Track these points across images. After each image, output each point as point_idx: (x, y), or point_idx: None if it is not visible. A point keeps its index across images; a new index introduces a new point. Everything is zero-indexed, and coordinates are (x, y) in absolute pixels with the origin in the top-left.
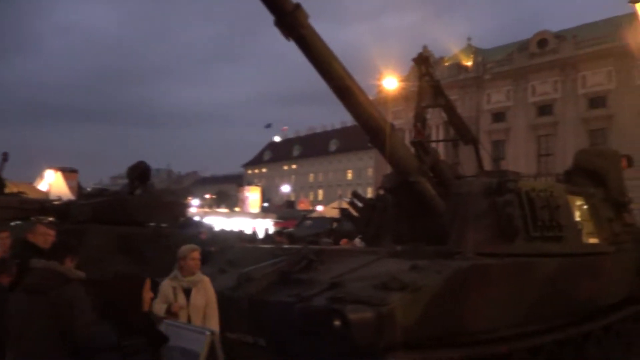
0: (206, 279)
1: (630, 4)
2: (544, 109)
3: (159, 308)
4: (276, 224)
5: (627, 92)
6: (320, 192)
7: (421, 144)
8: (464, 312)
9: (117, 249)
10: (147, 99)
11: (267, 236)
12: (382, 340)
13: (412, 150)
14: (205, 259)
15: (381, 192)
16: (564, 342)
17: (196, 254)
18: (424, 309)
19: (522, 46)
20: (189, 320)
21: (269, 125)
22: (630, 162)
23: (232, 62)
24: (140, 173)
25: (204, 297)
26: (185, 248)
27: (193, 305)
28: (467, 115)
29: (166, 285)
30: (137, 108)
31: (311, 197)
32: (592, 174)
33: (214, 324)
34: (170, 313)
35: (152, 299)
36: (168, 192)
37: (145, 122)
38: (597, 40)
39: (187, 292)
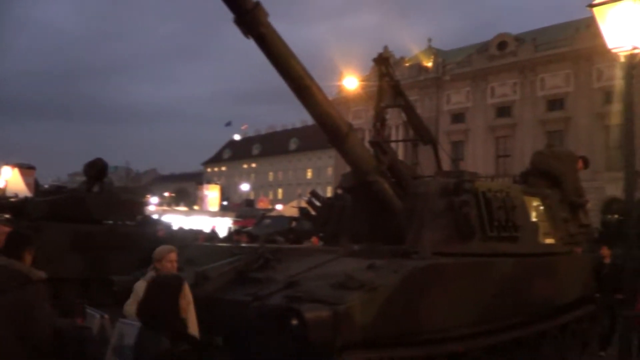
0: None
1: (588, 8)
2: (503, 111)
3: (132, 310)
4: (235, 222)
5: (585, 95)
6: (280, 191)
7: (379, 144)
8: (420, 311)
9: (73, 247)
10: (106, 95)
11: (230, 235)
12: (338, 340)
13: (371, 150)
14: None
15: (339, 191)
16: (520, 342)
17: (173, 256)
18: (381, 308)
19: (482, 48)
20: None
21: (228, 123)
22: (586, 163)
23: (192, 59)
24: (97, 170)
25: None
26: (161, 249)
27: None
28: (426, 116)
29: (141, 286)
30: (96, 105)
31: (271, 196)
32: (548, 175)
33: (193, 329)
34: None
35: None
36: (126, 190)
37: (104, 118)
38: (556, 43)
39: None
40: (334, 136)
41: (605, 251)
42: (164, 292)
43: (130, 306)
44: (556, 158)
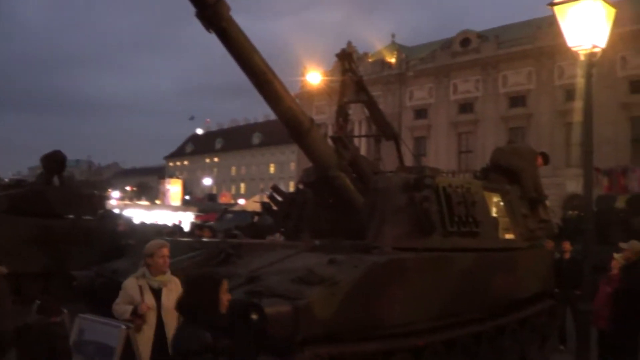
0: (176, 279)
1: (549, 7)
2: (465, 107)
3: (122, 309)
4: (197, 217)
5: (546, 92)
6: (243, 185)
7: (341, 139)
8: (381, 305)
9: (34, 241)
10: (67, 88)
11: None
12: (299, 334)
13: (333, 145)
14: (123, 252)
15: (301, 186)
16: (480, 336)
17: (165, 251)
18: (341, 302)
19: (445, 45)
20: (159, 323)
21: (191, 118)
22: (546, 159)
23: (156, 52)
24: (56, 163)
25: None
26: (153, 244)
27: (166, 307)
28: (389, 112)
29: (131, 284)
30: (57, 97)
31: (233, 191)
32: (507, 171)
33: None
34: (137, 315)
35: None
36: (87, 184)
37: (66, 111)
38: (518, 41)
39: (156, 293)
40: (296, 131)
41: (566, 246)
42: (205, 287)
43: (120, 305)
44: (516, 154)
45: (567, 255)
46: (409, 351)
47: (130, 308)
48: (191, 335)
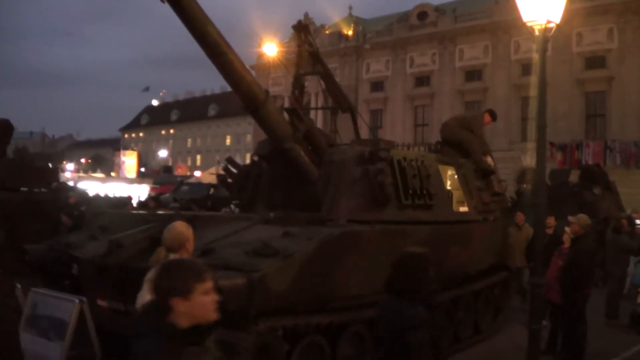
0: None
1: None
2: (422, 80)
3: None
4: (152, 189)
5: (502, 66)
6: (199, 157)
7: (295, 111)
8: (335, 278)
9: None
10: (20, 59)
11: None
12: (253, 307)
13: (287, 117)
14: (77, 223)
15: (255, 158)
16: (434, 307)
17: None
18: (296, 275)
19: (402, 18)
20: None
21: (146, 89)
22: (493, 115)
23: (109, 22)
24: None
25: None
26: (183, 232)
27: None
28: (346, 84)
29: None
30: (9, 68)
31: (189, 163)
32: (457, 145)
33: None
34: None
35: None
36: (42, 156)
37: (19, 83)
38: (475, 15)
39: None
40: (251, 103)
41: (550, 221)
42: (417, 264)
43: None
44: (461, 125)
45: (550, 231)
46: (364, 323)
47: None
48: (405, 312)
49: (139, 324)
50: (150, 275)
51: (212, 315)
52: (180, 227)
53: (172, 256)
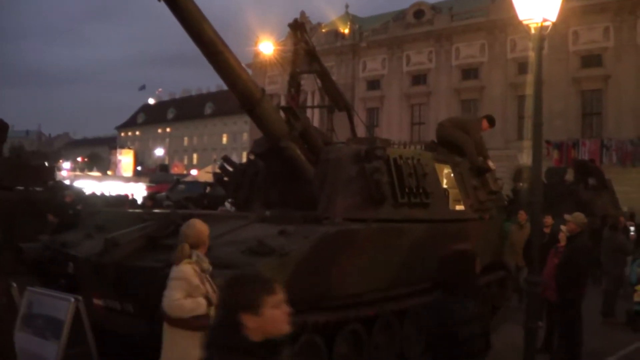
0: None
1: None
2: (418, 79)
3: (195, 304)
4: (149, 187)
5: (499, 65)
6: (195, 156)
7: (291, 109)
8: (331, 276)
9: None
10: (17, 58)
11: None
12: None
13: (283, 116)
14: (73, 222)
15: (251, 157)
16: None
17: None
18: (292, 273)
19: (399, 16)
20: None
21: (143, 87)
22: (491, 121)
23: (106, 22)
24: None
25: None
26: (203, 229)
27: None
28: (342, 82)
29: (192, 271)
30: (6, 67)
31: (185, 161)
32: (452, 145)
33: None
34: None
35: None
36: (38, 154)
37: (16, 82)
38: (471, 13)
39: None
40: (247, 101)
41: (548, 220)
42: (465, 261)
43: (188, 300)
44: (457, 127)
45: (547, 230)
46: (360, 321)
47: (204, 302)
48: (456, 307)
49: (213, 338)
50: (177, 273)
51: (284, 328)
52: (200, 225)
53: (196, 252)
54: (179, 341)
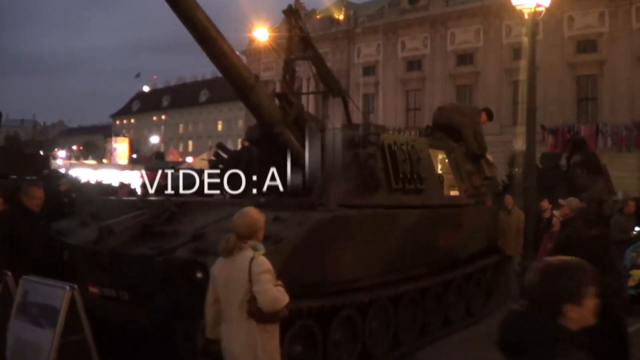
0: None
1: None
2: (413, 65)
3: (282, 293)
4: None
5: (494, 50)
6: (190, 143)
7: (285, 95)
8: (326, 262)
9: None
10: (11, 45)
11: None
12: None
13: (277, 102)
14: (67, 211)
15: (246, 143)
16: (426, 291)
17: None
18: (286, 260)
19: (394, 2)
20: None
21: (137, 75)
22: (490, 115)
23: (101, 9)
24: None
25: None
26: (258, 218)
27: None
28: (337, 69)
29: (269, 262)
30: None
31: (181, 149)
32: (450, 128)
33: None
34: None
35: None
36: (33, 143)
37: (10, 70)
38: None
39: None
40: (240, 88)
41: (545, 204)
42: (604, 241)
43: (278, 288)
44: (456, 112)
45: (546, 214)
46: (355, 307)
47: (284, 290)
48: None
49: (526, 330)
50: (262, 266)
51: (592, 319)
52: (254, 214)
53: (248, 244)
54: (269, 335)
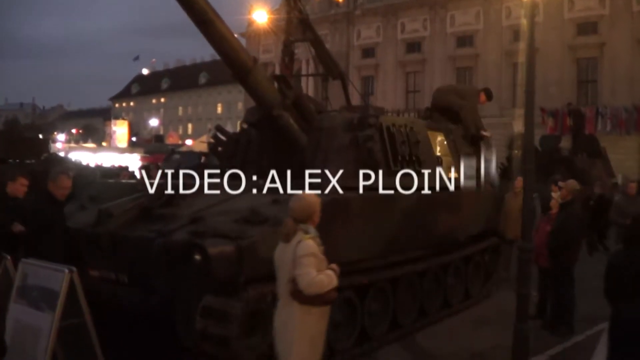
0: None
1: None
2: (413, 46)
3: (328, 277)
4: (143, 158)
5: (494, 32)
6: (190, 125)
7: (283, 78)
8: (325, 244)
9: None
10: (10, 29)
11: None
12: (242, 274)
13: (276, 84)
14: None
15: (244, 126)
16: (424, 273)
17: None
18: None
19: None
20: None
21: (136, 58)
22: (489, 95)
23: None
24: None
25: None
26: (315, 201)
27: None
28: (337, 51)
29: (316, 245)
30: None
31: (180, 131)
32: (448, 110)
33: None
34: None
35: None
36: (32, 127)
37: (8, 54)
38: None
39: None
40: (239, 71)
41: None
42: None
43: (321, 274)
44: (454, 93)
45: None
46: (354, 289)
47: (333, 274)
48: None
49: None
50: (306, 249)
51: None
52: (311, 198)
53: (306, 226)
54: (313, 318)
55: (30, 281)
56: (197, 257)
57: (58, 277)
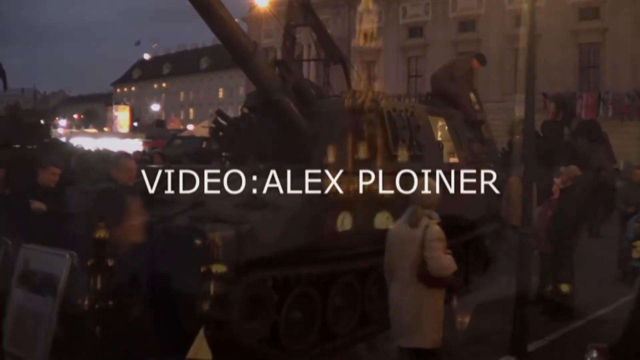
0: None
1: None
2: (415, 31)
3: (452, 261)
4: (145, 143)
5: (496, 17)
6: (191, 110)
7: (284, 62)
8: (324, 229)
9: None
10: (11, 14)
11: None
12: (242, 258)
13: (277, 69)
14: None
15: (245, 110)
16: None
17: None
18: (285, 226)
19: None
20: None
21: (138, 43)
22: (481, 60)
23: None
24: None
25: None
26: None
27: None
28: (339, 35)
29: (442, 230)
30: (1, 24)
31: (182, 116)
32: (447, 97)
33: None
34: None
35: None
36: (34, 112)
37: (10, 39)
38: None
39: None
40: (239, 55)
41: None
42: None
43: (449, 256)
44: (449, 78)
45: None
46: (354, 273)
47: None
48: None
49: None
50: (436, 234)
51: None
52: (434, 185)
53: (429, 212)
54: (436, 300)
55: (32, 266)
56: (198, 241)
57: (59, 262)
